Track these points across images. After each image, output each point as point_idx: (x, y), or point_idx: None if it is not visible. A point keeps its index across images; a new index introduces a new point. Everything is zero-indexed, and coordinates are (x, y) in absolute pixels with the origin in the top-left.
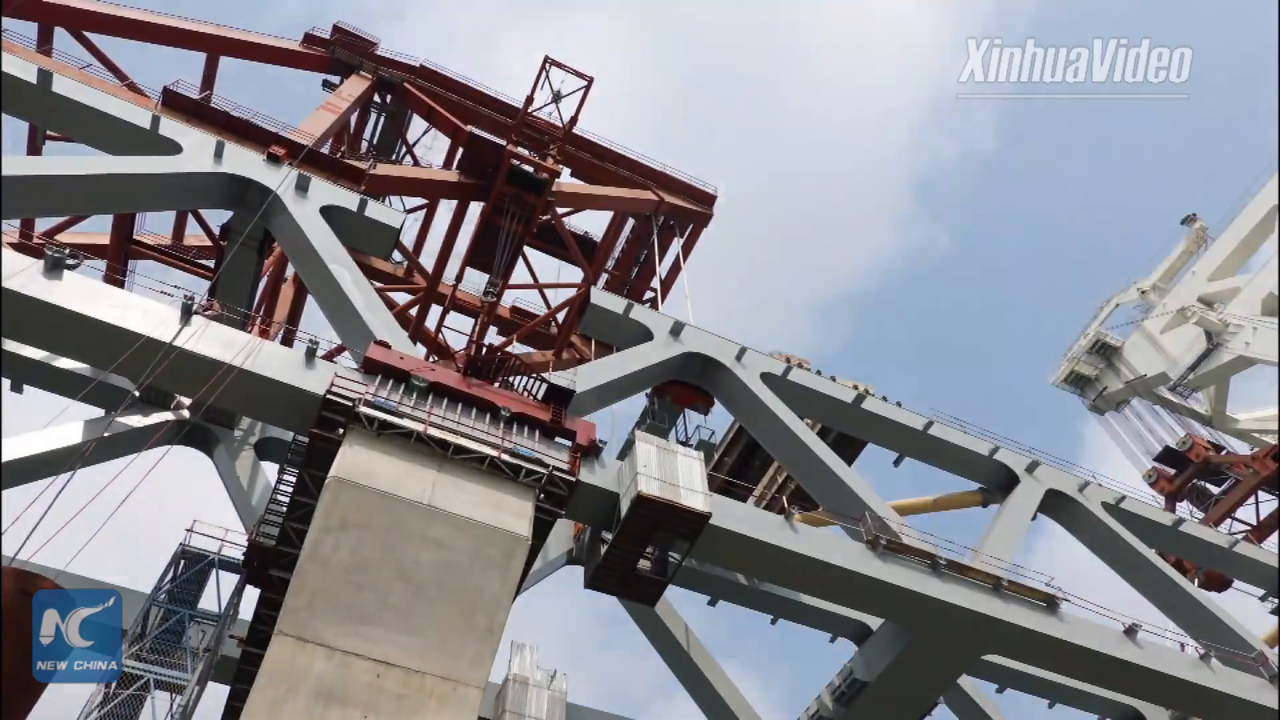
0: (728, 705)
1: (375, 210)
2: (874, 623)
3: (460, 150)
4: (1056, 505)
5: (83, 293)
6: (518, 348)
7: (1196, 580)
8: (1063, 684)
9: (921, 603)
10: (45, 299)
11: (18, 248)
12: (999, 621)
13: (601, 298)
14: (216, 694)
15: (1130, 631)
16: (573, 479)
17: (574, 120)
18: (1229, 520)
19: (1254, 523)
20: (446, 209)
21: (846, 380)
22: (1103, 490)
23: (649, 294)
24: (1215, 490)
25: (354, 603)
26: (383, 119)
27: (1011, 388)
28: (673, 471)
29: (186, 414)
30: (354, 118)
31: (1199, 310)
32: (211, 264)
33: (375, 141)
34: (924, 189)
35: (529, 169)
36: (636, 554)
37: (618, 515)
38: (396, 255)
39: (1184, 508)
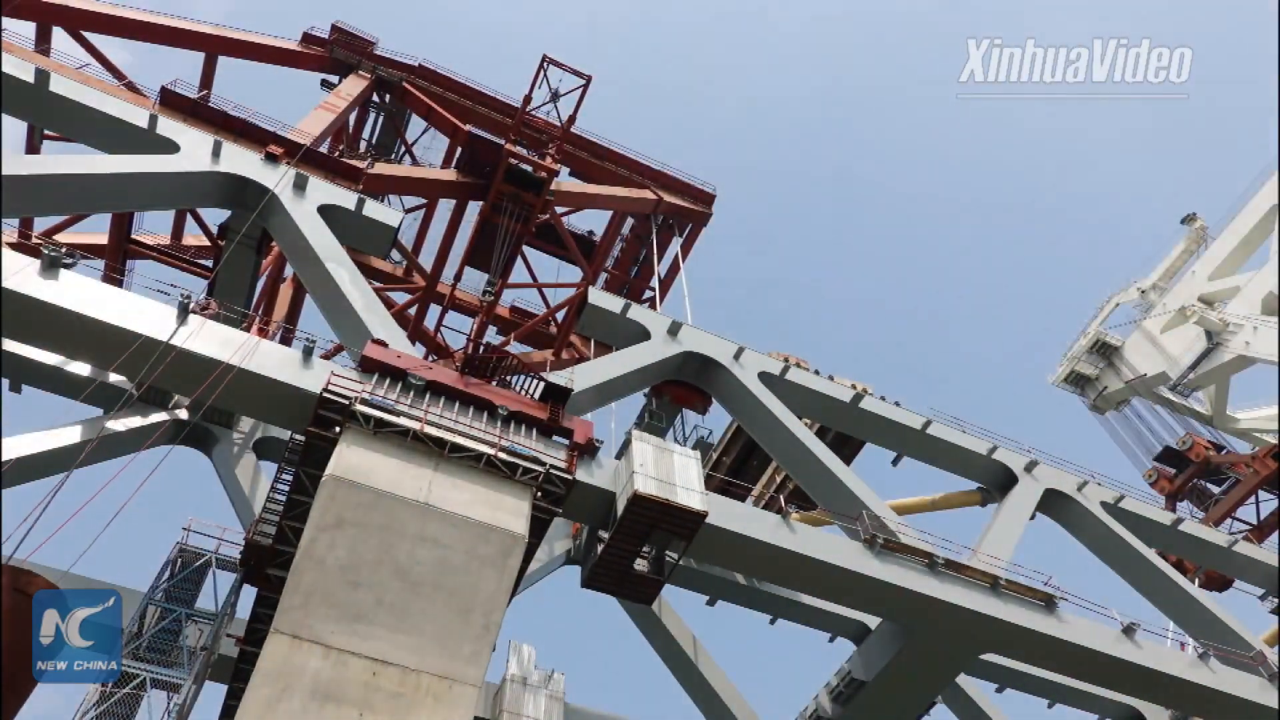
0: (726, 706)
1: (373, 209)
2: (873, 622)
3: (459, 149)
4: (1055, 504)
5: (79, 291)
6: (517, 347)
7: (1197, 580)
8: (1062, 684)
9: (919, 602)
10: (42, 298)
11: (15, 247)
12: (996, 621)
13: (599, 298)
14: (215, 693)
15: (1129, 631)
16: (570, 477)
17: (572, 119)
18: (1229, 520)
19: (1254, 522)
20: (445, 208)
21: (844, 379)
22: (1102, 490)
23: (648, 293)
24: (1215, 490)
25: (350, 601)
26: (381, 118)
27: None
28: (669, 470)
29: (184, 414)
30: (353, 117)
31: (1199, 309)
32: (210, 263)
33: (374, 141)
34: None
35: (527, 168)
36: (633, 553)
37: (614, 514)
38: (395, 255)
39: (1184, 507)
